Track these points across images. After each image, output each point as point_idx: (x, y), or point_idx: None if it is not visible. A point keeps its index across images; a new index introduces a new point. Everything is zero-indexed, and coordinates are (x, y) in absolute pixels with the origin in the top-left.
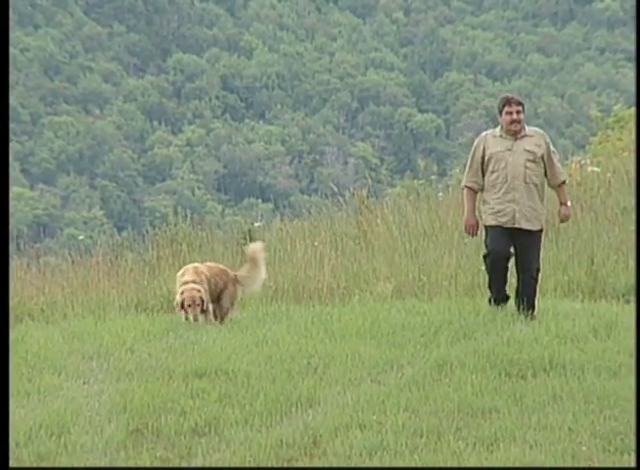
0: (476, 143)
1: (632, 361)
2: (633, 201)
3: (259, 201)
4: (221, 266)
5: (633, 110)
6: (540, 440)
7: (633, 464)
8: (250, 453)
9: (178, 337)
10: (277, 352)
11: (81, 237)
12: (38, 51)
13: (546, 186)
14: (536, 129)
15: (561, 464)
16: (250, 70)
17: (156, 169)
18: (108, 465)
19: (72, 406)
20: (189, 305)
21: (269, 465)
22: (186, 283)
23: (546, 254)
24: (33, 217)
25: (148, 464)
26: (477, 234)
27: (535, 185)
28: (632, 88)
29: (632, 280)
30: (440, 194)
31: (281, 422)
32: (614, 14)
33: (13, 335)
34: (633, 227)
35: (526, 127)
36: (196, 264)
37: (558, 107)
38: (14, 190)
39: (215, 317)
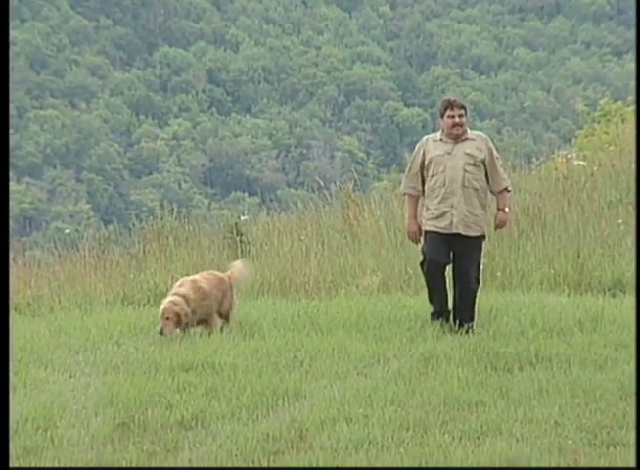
0: (417, 147)
1: (618, 355)
2: (619, 195)
3: (246, 194)
4: (217, 274)
5: (620, 104)
6: (526, 433)
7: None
8: (236, 447)
9: None
10: (263, 346)
11: (68, 230)
12: (24, 44)
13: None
14: (479, 133)
15: (547, 457)
16: (236, 63)
17: (142, 163)
18: (94, 458)
19: (59, 400)
20: (160, 317)
21: (255, 458)
22: (173, 294)
23: (532, 247)
24: (20, 211)
25: (134, 458)
26: (419, 240)
27: (475, 190)
28: (618, 82)
29: (618, 274)
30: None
31: (267, 415)
32: (600, 8)
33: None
34: (621, 221)
35: (469, 131)
36: (193, 278)
37: (544, 101)
38: None
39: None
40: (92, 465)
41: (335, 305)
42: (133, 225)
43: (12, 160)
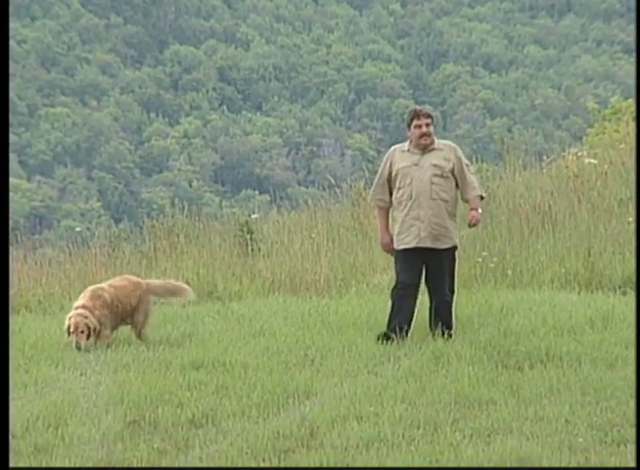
0: (384, 158)
1: (629, 353)
2: (630, 192)
3: (256, 192)
4: (131, 279)
5: (631, 102)
6: (537, 431)
7: (633, 464)
8: (246, 445)
9: (175, 328)
10: (274, 344)
11: (78, 229)
12: (35, 43)
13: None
14: (447, 142)
15: (557, 456)
16: (247, 61)
17: (153, 161)
18: (105, 456)
19: (70, 398)
20: (73, 332)
21: (266, 456)
22: (76, 308)
23: (543, 245)
24: (31, 209)
25: (145, 455)
26: (393, 251)
27: (444, 201)
28: (629, 80)
29: (629, 272)
30: None
31: (278, 414)
32: (610, 5)
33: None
34: (631, 219)
35: (437, 141)
36: (97, 286)
37: (555, 99)
38: (11, 182)
39: (139, 335)
40: (103, 463)
41: (345, 304)
42: (144, 223)
43: (23, 158)
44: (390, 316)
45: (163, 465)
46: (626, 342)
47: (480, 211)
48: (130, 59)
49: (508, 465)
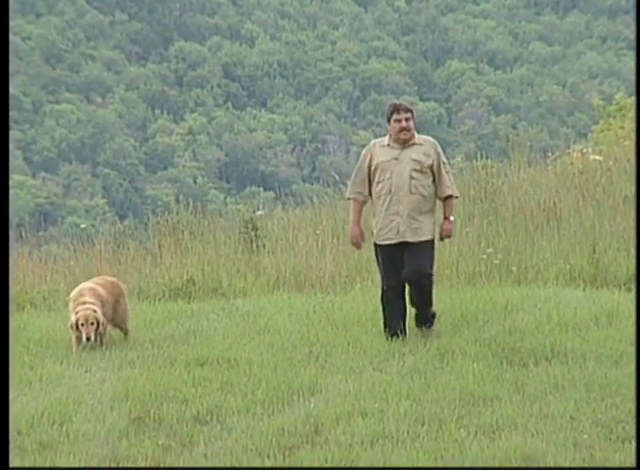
0: (364, 152)
1: (634, 350)
2: (634, 189)
3: (261, 189)
4: (109, 279)
5: (633, 99)
6: (542, 428)
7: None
8: (251, 441)
9: (180, 325)
10: (279, 341)
11: (83, 225)
12: (40, 39)
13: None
14: (428, 138)
15: (562, 452)
16: (251, 58)
17: (157, 158)
18: (110, 453)
19: (75, 395)
20: (82, 324)
21: (271, 453)
22: (83, 303)
23: (548, 242)
24: (35, 206)
25: (150, 452)
26: (361, 245)
27: (423, 196)
28: (633, 77)
29: (634, 268)
30: None
31: (283, 410)
32: (615, 2)
33: (14, 325)
34: (635, 216)
35: (417, 135)
36: (90, 286)
37: (560, 95)
38: (16, 178)
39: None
40: (108, 460)
41: (350, 300)
42: (148, 220)
43: (27, 154)
44: (385, 321)
45: (168, 461)
46: (631, 338)
47: (452, 218)
48: (135, 55)
49: (513, 462)
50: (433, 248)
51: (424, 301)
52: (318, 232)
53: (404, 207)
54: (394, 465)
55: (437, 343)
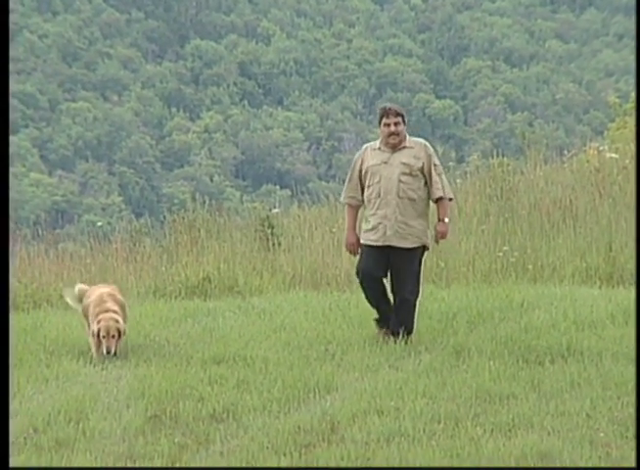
0: (356, 156)
1: None
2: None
3: (277, 187)
4: (109, 286)
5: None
6: (558, 426)
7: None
8: (267, 439)
9: (196, 323)
10: (295, 339)
11: (99, 223)
12: (57, 37)
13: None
14: (419, 140)
15: (578, 450)
16: (267, 56)
17: (174, 156)
18: (126, 450)
19: (91, 392)
20: (104, 337)
21: (287, 451)
22: (107, 311)
23: (564, 240)
24: (52, 204)
25: (166, 450)
26: (358, 252)
27: (412, 200)
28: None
29: None
30: (458, 181)
31: (299, 408)
32: None
33: (30, 323)
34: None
35: (408, 138)
36: (109, 291)
37: (576, 93)
38: (32, 176)
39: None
40: (124, 457)
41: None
42: (164, 218)
43: (44, 152)
44: (370, 305)
45: (184, 459)
46: None
47: (446, 220)
48: (151, 53)
49: (529, 460)
50: (420, 258)
51: (406, 312)
52: (334, 230)
53: (392, 210)
54: (410, 463)
55: (453, 341)
